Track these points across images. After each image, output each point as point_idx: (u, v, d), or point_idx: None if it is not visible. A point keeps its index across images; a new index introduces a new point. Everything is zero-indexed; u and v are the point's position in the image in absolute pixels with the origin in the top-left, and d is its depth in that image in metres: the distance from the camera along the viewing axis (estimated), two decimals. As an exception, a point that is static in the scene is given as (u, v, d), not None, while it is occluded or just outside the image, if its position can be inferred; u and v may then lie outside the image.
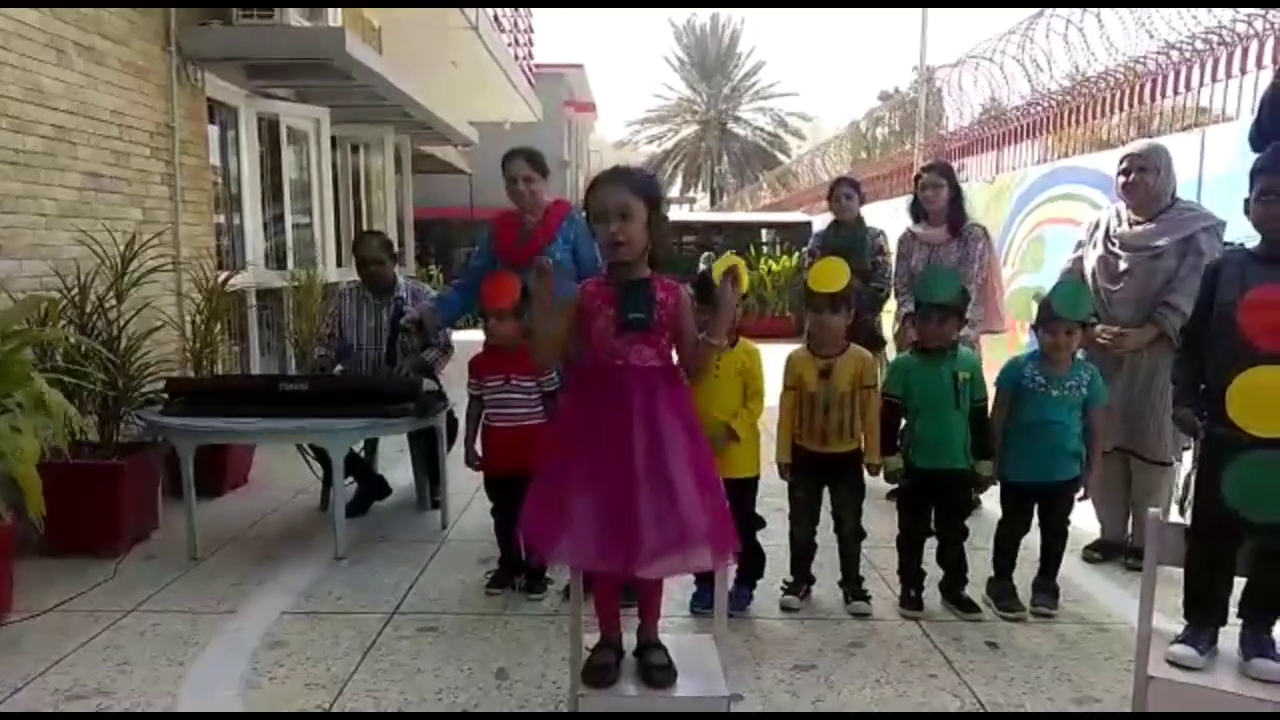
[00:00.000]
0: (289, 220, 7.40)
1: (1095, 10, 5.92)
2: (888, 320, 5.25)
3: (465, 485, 4.40)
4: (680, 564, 2.13)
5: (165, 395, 3.98)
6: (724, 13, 44.05)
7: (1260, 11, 4.55)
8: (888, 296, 4.94)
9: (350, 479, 4.34)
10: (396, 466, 4.90)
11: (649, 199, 2.19)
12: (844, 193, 5.01)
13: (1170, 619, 2.49)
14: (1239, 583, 2.32)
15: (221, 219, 6.50)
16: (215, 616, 3.20)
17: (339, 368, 4.47)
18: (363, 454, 4.66)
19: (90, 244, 4.40)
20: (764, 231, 15.34)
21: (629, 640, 2.39)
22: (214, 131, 6.30)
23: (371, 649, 2.94)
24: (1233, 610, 2.32)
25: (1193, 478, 2.40)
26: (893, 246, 4.92)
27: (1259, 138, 2.68)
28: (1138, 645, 2.30)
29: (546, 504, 2.18)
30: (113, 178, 4.93)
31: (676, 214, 20.62)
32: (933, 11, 10.58)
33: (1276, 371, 1.91)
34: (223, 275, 5.55)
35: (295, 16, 6.15)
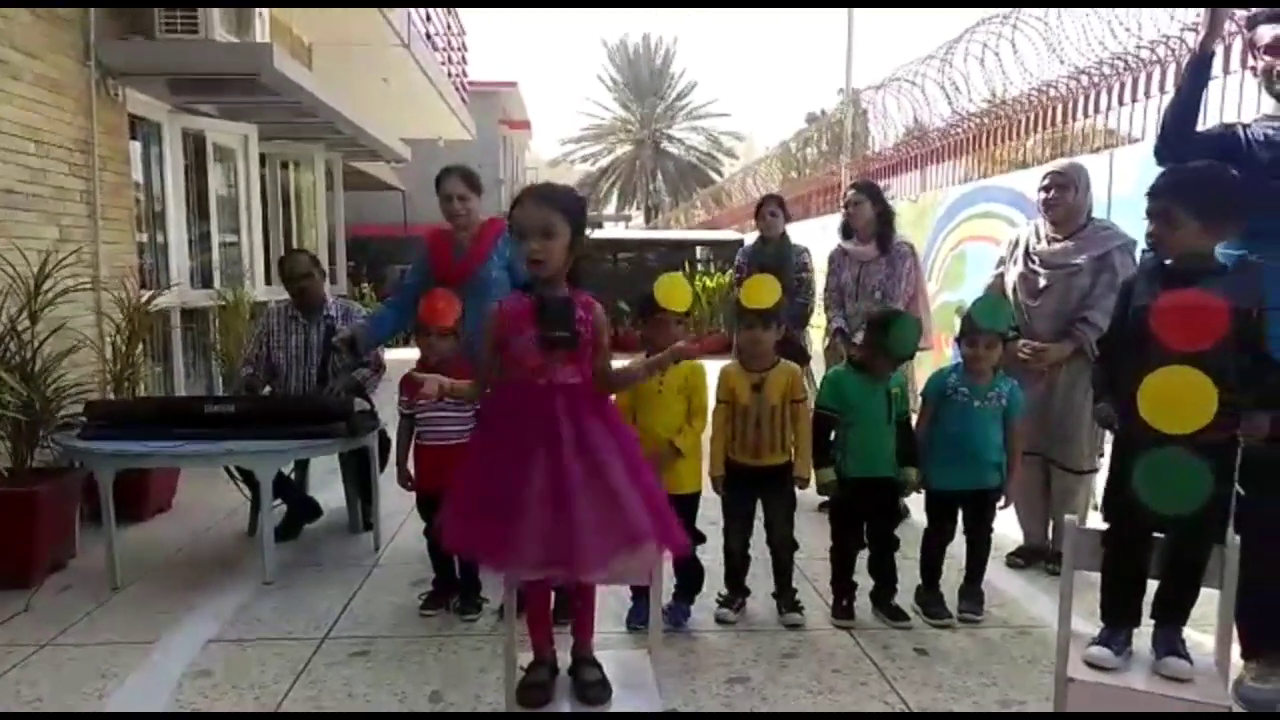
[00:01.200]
0: (215, 238, 7.24)
1: (1009, 36, 6.16)
2: (816, 335, 5.36)
3: (398, 506, 4.34)
4: (630, 562, 2.13)
5: (83, 418, 3.84)
6: (656, 33, 44.56)
7: (1161, 38, 4.80)
8: (811, 311, 5.06)
9: (279, 501, 4.24)
10: (328, 488, 4.81)
11: (574, 219, 2.20)
12: (770, 210, 5.13)
13: (1089, 622, 2.58)
14: (1153, 586, 2.42)
15: (144, 237, 6.33)
16: (136, 647, 3.09)
17: (267, 388, 4.38)
18: (293, 476, 4.56)
19: (1, 264, 4.24)
20: (698, 249, 15.51)
21: (564, 658, 2.38)
22: (136, 147, 6.13)
23: (301, 676, 2.87)
24: (1147, 612, 2.42)
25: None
26: (819, 263, 5.04)
27: (1164, 146, 2.82)
28: (1057, 648, 2.38)
29: (480, 517, 2.16)
30: (28, 195, 4.76)
31: (612, 231, 20.70)
32: (858, 34, 10.88)
33: (1183, 371, 2.01)
34: (145, 294, 5.40)
35: (220, 31, 6.03)
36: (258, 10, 6.56)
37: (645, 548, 2.12)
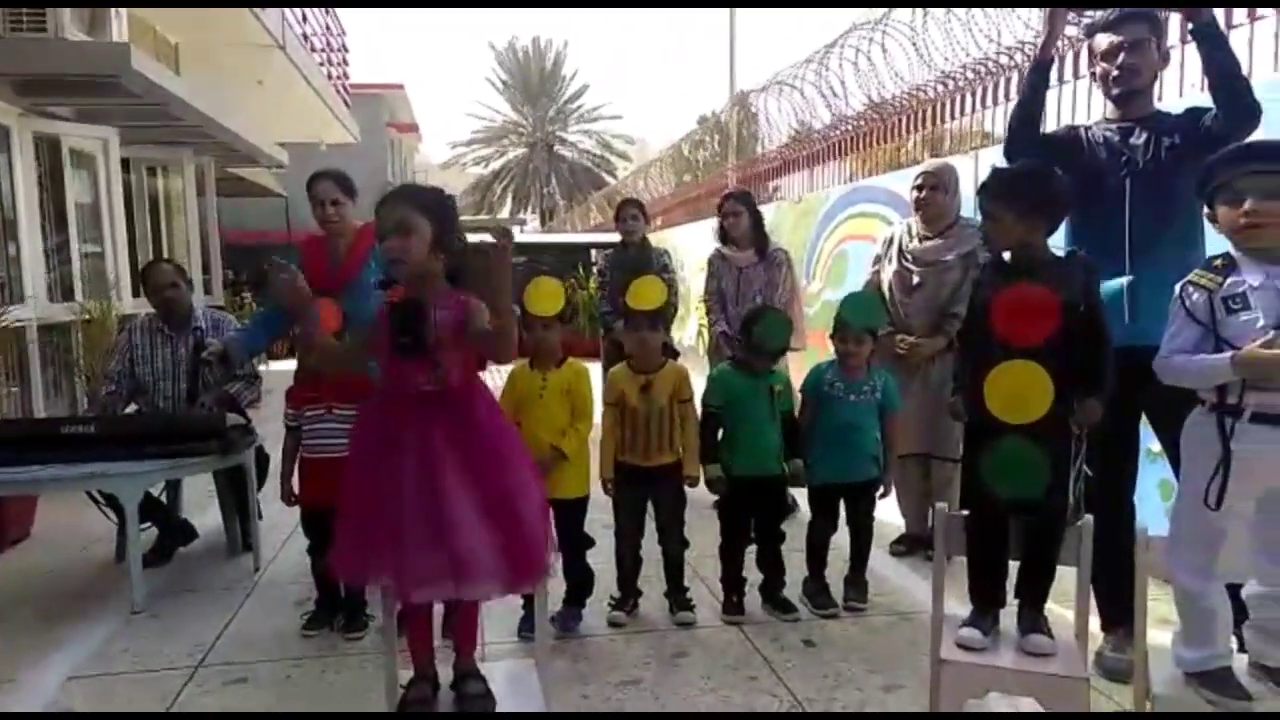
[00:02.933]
0: (76, 248, 6.84)
1: (880, 41, 6.38)
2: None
3: (280, 524, 4.18)
4: (453, 592, 2.11)
5: (-77, 446, 3.55)
6: (546, 36, 44.41)
7: (1018, 45, 5.05)
8: (676, 312, 5.13)
9: (149, 524, 4.02)
10: (207, 509, 4.59)
11: (435, 216, 2.14)
12: (630, 214, 5.20)
13: (965, 605, 2.68)
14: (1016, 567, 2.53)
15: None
16: (-13, 688, 2.88)
17: (133, 406, 4.15)
18: (164, 497, 4.34)
19: None
20: (593, 251, 15.49)
21: (448, 674, 2.33)
22: (-19, 153, 5.74)
23: (172, 708, 2.73)
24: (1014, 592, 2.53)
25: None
26: (676, 265, 5.14)
27: (1011, 147, 2.97)
28: (932, 631, 2.47)
29: (345, 533, 2.12)
30: None
31: (506, 235, 20.38)
32: (746, 37, 11.09)
33: (1022, 365, 2.13)
34: (-4, 310, 5.05)
35: (72, 30, 5.69)
36: (114, 9, 6.22)
37: (474, 583, 2.08)
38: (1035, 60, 2.98)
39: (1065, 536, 2.38)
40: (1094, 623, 2.77)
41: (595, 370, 3.35)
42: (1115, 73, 2.77)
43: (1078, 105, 4.52)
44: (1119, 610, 2.73)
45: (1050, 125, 3.58)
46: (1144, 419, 2.82)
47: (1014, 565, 2.46)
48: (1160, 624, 2.58)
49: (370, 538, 2.08)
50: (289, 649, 3.15)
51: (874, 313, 3.42)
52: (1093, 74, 2.93)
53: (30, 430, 3.98)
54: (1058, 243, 2.56)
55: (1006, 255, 2.44)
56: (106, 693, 2.84)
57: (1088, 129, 2.89)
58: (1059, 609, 2.57)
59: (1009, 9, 5.01)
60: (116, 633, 3.32)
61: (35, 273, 6.21)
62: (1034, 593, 2.40)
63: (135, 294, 7.31)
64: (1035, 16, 4.81)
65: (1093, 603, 2.56)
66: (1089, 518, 2.37)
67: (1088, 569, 2.38)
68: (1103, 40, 2.80)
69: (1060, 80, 4.67)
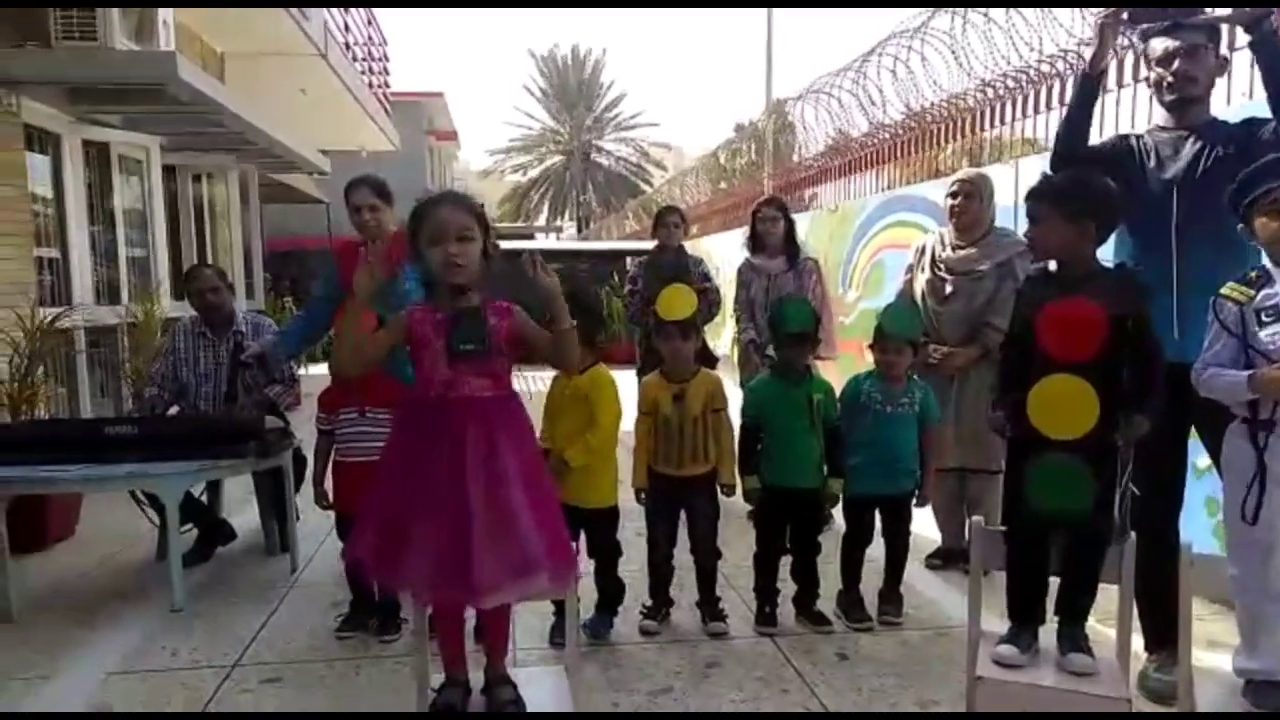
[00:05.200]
0: (122, 253, 6.99)
1: (919, 49, 6.32)
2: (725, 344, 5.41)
3: (318, 526, 4.22)
4: (520, 592, 2.13)
5: (-27, 445, 3.64)
6: (585, 44, 44.68)
7: (1060, 53, 4.97)
8: (713, 317, 5.11)
9: (190, 525, 4.09)
10: (245, 509, 4.65)
11: (484, 225, 2.18)
12: (673, 221, 5.21)
13: (1004, 621, 2.63)
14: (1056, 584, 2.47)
15: (47, 253, 6.07)
16: (28, 683, 2.93)
17: (175, 408, 4.23)
18: (204, 497, 4.41)
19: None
20: (628, 260, 15.51)
21: (479, 678, 2.33)
22: (34, 160, 5.88)
23: (207, 706, 2.76)
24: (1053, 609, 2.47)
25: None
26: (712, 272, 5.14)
27: (1057, 158, 2.92)
28: (968, 647, 2.42)
29: (380, 533, 2.12)
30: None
31: (543, 242, 20.62)
32: (784, 44, 11.07)
33: (1067, 379, 2.09)
34: (47, 314, 5.16)
35: (121, 39, 5.82)
36: (161, 18, 6.36)
37: (537, 577, 2.10)
38: (1083, 74, 2.93)
39: (1108, 553, 2.32)
40: (1137, 642, 2.71)
41: (630, 377, 3.34)
42: (1170, 79, 2.71)
43: (1121, 113, 4.43)
44: (1163, 630, 2.66)
45: (1104, 131, 3.51)
46: (1193, 434, 2.75)
47: (1054, 582, 2.41)
48: (1208, 645, 2.52)
49: (397, 539, 2.09)
50: (323, 650, 3.18)
51: (914, 323, 3.38)
52: (1147, 80, 2.86)
53: (75, 431, 4.06)
54: (1105, 257, 2.51)
55: (1052, 266, 2.39)
56: (145, 690, 2.88)
57: (1139, 137, 2.83)
58: (1100, 627, 2.51)
59: (1050, 16, 4.93)
60: (156, 630, 3.37)
61: (83, 277, 6.35)
62: (1075, 610, 2.34)
63: (178, 297, 7.47)
64: (1079, 23, 4.73)
65: (1136, 622, 2.50)
66: (1132, 535, 2.32)
67: (1130, 587, 2.33)
68: (1158, 46, 2.73)
69: (1104, 89, 4.58)
